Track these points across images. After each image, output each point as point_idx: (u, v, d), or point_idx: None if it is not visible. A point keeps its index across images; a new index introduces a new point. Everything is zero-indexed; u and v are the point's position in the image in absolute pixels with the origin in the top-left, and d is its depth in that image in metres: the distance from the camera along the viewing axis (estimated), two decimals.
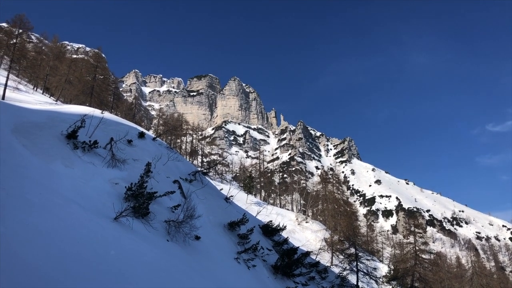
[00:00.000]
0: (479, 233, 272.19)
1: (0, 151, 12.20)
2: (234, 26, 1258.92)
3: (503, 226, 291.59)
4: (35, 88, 71.25)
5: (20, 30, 55.80)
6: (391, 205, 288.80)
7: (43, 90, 72.24)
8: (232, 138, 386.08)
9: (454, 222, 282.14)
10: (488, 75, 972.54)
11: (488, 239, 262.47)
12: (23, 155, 13.53)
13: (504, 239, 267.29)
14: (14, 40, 57.17)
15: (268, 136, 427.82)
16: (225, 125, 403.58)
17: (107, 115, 29.48)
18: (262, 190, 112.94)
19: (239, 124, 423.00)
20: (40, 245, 7.19)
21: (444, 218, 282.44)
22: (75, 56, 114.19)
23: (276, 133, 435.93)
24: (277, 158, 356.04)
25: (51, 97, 68.07)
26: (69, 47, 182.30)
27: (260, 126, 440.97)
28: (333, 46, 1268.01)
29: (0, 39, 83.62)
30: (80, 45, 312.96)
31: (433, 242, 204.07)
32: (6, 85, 42.77)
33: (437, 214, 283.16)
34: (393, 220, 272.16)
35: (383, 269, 67.33)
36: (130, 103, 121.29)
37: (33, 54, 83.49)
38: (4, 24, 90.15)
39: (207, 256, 16.33)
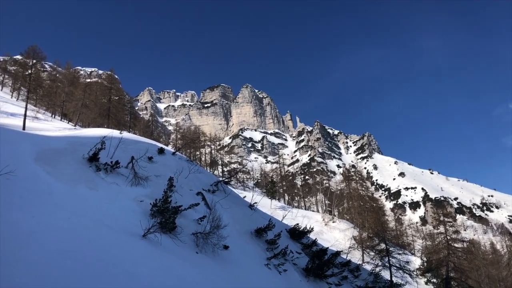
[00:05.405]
0: None
1: (26, 181, 12.46)
2: (240, 34, 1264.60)
3: None
4: (53, 115, 72.62)
5: (34, 61, 57.02)
6: (417, 196, 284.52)
7: (61, 117, 73.59)
8: (250, 145, 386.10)
9: (484, 208, 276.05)
10: (507, 51, 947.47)
11: None
12: (48, 182, 13.78)
13: None
14: (29, 71, 58.47)
15: (285, 140, 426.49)
16: (242, 132, 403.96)
17: (125, 134, 29.87)
18: (286, 194, 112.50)
19: (255, 130, 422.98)
20: (73, 269, 7.28)
21: (473, 204, 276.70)
22: (88, 80, 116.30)
23: (294, 135, 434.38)
24: (297, 160, 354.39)
25: (70, 122, 69.25)
26: (82, 72, 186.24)
27: (276, 130, 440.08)
28: (341, 40, 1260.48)
29: (15, 71, 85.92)
30: (93, 69, 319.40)
31: (465, 230, 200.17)
32: (25, 115, 43.69)
33: (465, 201, 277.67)
34: (421, 211, 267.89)
35: (416, 262, 66.23)
36: (146, 120, 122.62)
37: (48, 82, 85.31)
38: (19, 57, 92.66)
39: (237, 264, 16.30)
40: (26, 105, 47.51)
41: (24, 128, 40.14)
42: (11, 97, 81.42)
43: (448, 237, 47.05)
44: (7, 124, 38.18)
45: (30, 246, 7.24)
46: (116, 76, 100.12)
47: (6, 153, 14.68)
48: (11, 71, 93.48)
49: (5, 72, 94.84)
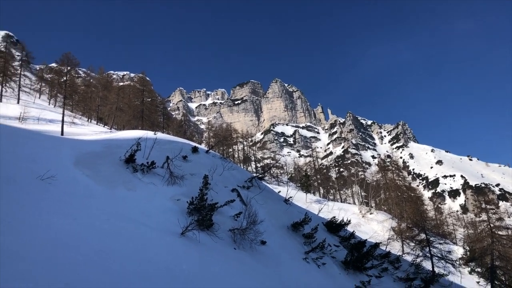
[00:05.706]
0: None
1: (67, 184, 12.86)
2: (267, 29, 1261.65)
3: None
4: (89, 120, 74.57)
5: (68, 67, 58.62)
6: (457, 184, 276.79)
7: (97, 121, 75.49)
8: (282, 139, 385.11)
9: None
10: None
11: None
12: (87, 185, 14.18)
13: None
14: (65, 78, 60.26)
15: (318, 133, 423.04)
16: (273, 128, 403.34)
17: (159, 135, 30.39)
18: (320, 187, 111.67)
19: (287, 125, 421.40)
20: (115, 268, 7.46)
21: None
22: (121, 83, 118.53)
23: (326, 128, 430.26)
24: (331, 153, 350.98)
25: (105, 126, 71.00)
26: (114, 76, 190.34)
27: (308, 124, 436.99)
28: (369, 29, 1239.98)
29: (51, 79, 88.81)
30: (125, 72, 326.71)
31: (509, 217, 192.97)
32: (63, 121, 44.97)
33: (508, 187, 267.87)
34: (461, 199, 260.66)
35: (458, 251, 64.54)
36: (179, 120, 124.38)
37: (83, 88, 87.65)
38: (54, 64, 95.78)
39: (275, 259, 16.31)
40: (63, 111, 48.95)
41: (62, 133, 41.38)
42: (49, 104, 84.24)
43: (492, 225, 45.51)
44: (46, 130, 39.48)
45: (73, 247, 7.46)
46: (148, 78, 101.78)
47: (47, 159, 15.19)
48: (47, 79, 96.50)
49: (42, 80, 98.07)
